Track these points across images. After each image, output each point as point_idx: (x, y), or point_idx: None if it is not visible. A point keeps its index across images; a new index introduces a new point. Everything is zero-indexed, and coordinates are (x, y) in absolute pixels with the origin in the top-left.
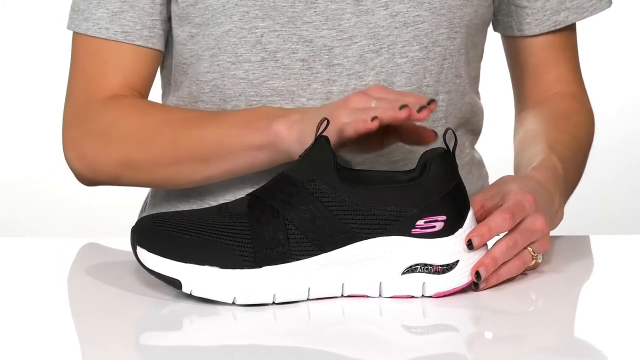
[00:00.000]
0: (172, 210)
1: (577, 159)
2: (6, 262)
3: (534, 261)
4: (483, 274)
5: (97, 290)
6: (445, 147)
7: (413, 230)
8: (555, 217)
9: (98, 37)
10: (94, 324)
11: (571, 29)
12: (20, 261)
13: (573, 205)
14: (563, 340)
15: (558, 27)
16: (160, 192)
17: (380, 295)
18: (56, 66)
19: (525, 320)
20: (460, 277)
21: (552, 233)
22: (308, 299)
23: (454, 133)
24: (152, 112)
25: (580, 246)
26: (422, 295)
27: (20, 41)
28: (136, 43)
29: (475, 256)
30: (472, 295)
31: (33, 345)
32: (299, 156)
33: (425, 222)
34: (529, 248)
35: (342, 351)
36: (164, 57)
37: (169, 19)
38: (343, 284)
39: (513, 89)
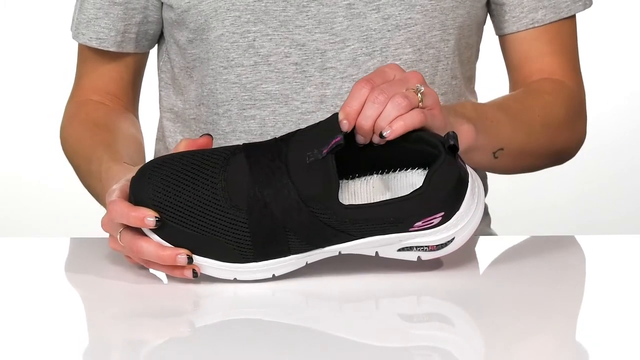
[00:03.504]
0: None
1: (518, 120)
2: (6, 262)
3: (419, 95)
4: (346, 127)
5: (95, 287)
6: (448, 151)
7: (411, 229)
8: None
9: (79, 42)
10: (93, 322)
11: (559, 23)
12: (19, 261)
13: (561, 207)
14: (556, 337)
15: (536, 25)
16: None
17: (376, 254)
18: (56, 66)
19: (517, 316)
20: (454, 249)
21: (539, 233)
22: (307, 264)
23: (456, 138)
24: (82, 131)
25: (565, 246)
26: (418, 258)
27: (20, 41)
28: (110, 49)
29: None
30: (466, 290)
31: (32, 343)
32: (307, 161)
33: (423, 222)
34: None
35: (340, 334)
36: (161, 61)
37: (155, 22)
38: (340, 252)
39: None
